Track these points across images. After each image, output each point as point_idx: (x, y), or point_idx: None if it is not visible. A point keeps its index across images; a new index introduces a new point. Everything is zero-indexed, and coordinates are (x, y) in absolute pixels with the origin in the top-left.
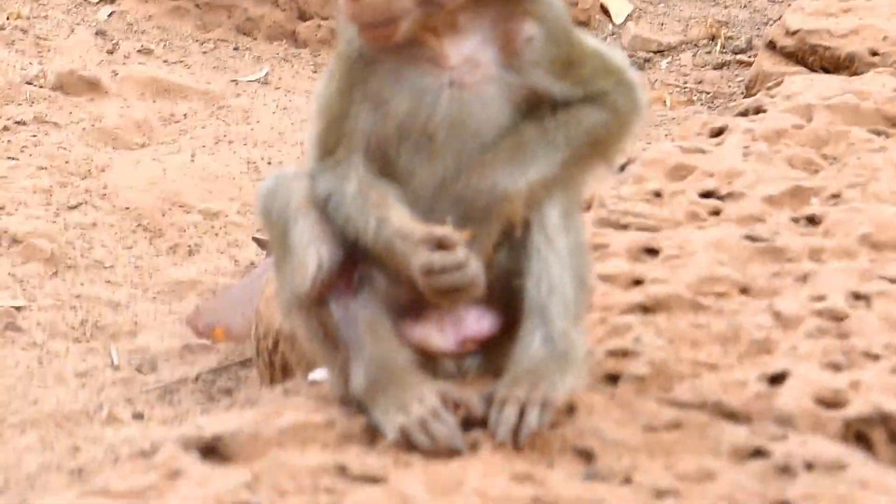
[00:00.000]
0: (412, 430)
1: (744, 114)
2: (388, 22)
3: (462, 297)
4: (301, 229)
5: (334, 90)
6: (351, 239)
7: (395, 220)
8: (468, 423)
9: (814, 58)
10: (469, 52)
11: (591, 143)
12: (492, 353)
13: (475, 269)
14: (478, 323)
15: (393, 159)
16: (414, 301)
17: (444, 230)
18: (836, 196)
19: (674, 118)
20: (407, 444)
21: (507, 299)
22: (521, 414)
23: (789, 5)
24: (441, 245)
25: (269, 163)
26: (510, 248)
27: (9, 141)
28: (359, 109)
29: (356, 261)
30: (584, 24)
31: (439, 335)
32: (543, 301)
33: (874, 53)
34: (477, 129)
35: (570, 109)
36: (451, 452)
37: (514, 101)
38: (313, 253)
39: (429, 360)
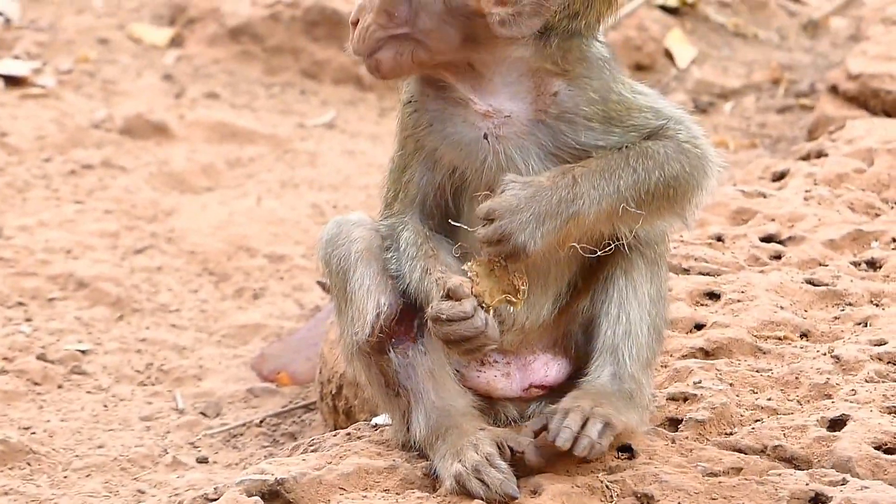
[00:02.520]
0: (466, 478)
1: (805, 158)
2: (371, 53)
3: (471, 350)
4: (360, 277)
5: (396, 143)
6: (400, 285)
7: (437, 271)
8: (528, 469)
9: (876, 102)
10: (497, 103)
11: (668, 179)
12: (557, 401)
13: (480, 322)
14: (544, 370)
15: (450, 209)
16: None
17: (456, 281)
18: None
19: (736, 162)
20: (462, 491)
21: (576, 347)
22: (583, 425)
23: (853, 49)
24: (450, 295)
25: (335, 207)
26: (592, 296)
27: (76, 185)
28: (414, 161)
29: (416, 309)
30: (648, 67)
31: (505, 380)
32: (618, 342)
33: None
34: None
35: (637, 144)
36: (506, 498)
37: (560, 157)
38: (372, 301)
39: (492, 406)
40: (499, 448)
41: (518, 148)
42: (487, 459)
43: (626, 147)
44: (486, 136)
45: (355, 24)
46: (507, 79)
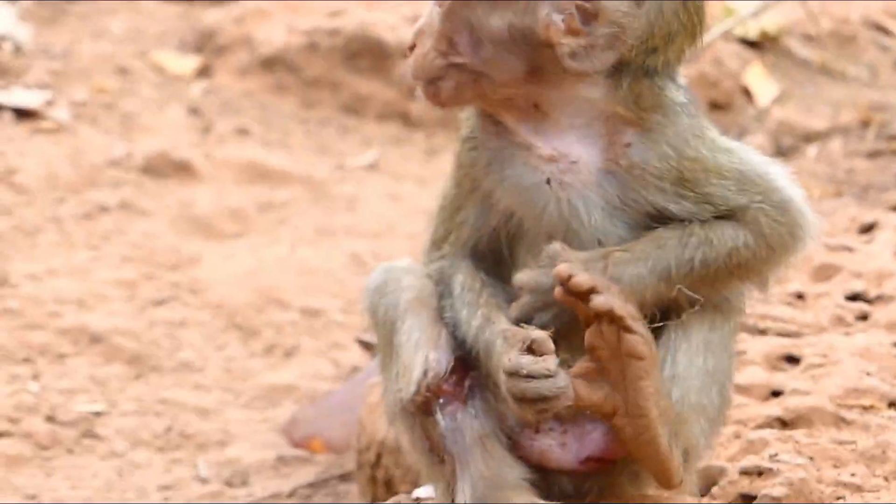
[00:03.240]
0: None
1: None
2: (431, 80)
3: (546, 410)
4: (409, 330)
5: (451, 179)
6: (456, 335)
7: (501, 321)
8: None
9: None
10: (563, 146)
11: (733, 266)
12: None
13: (563, 382)
14: (604, 440)
15: (504, 256)
16: None
17: (541, 334)
18: None
19: (821, 212)
20: None
21: None
22: None
23: None
24: (532, 349)
25: (377, 256)
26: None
27: (90, 229)
28: (469, 202)
29: (467, 367)
30: (724, 106)
31: (560, 450)
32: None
33: None
34: (589, 238)
35: (704, 227)
36: None
37: (627, 212)
38: (421, 356)
39: (545, 478)
40: None
41: (582, 198)
42: None
43: (690, 227)
44: (548, 182)
45: (412, 48)
46: (575, 121)
